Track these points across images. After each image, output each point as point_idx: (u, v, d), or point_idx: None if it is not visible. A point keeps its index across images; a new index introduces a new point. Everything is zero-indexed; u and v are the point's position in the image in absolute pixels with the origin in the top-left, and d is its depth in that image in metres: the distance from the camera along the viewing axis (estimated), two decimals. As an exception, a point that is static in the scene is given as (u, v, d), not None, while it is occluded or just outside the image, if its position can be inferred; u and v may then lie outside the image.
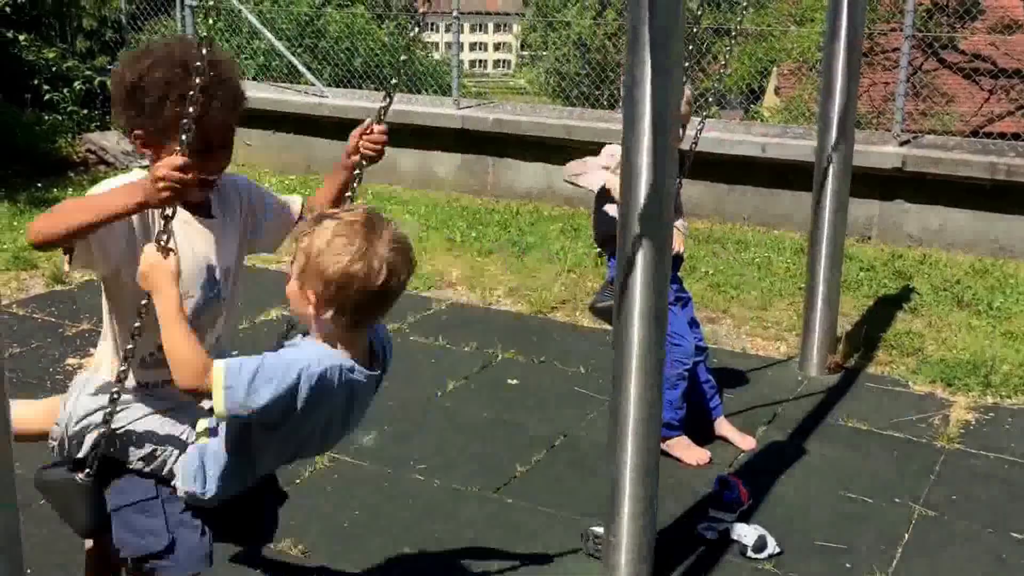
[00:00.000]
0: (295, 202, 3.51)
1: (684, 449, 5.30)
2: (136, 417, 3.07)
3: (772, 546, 4.53)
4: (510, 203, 10.38)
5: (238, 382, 2.69)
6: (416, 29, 3.60)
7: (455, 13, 11.45)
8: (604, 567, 4.26)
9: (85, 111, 12.52)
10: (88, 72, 12.73)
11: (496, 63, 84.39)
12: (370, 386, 2.96)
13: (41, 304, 7.37)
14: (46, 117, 11.94)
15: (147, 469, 3.06)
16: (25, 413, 3.29)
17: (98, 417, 3.03)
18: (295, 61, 12.95)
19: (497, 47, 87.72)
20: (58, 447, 3.15)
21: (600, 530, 4.33)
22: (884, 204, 9.36)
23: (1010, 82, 17.14)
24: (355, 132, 3.23)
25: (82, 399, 3.10)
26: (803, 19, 18.94)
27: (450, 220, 9.72)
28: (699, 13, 5.23)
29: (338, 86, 13.34)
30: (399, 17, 18.20)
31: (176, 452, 3.05)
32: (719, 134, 9.88)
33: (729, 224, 9.70)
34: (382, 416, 5.65)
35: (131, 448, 3.06)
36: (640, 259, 3.92)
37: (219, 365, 2.71)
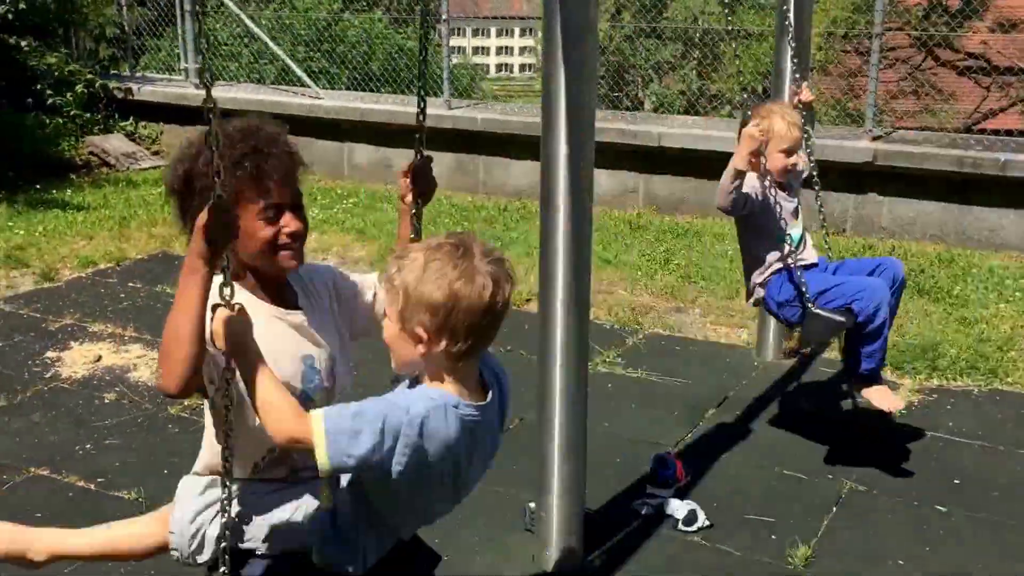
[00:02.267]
0: (375, 276, 3.33)
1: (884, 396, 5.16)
2: (255, 502, 2.94)
3: (702, 520, 4.77)
4: (499, 200, 10.62)
5: (339, 427, 2.53)
6: (435, 33, 3.80)
7: (444, 16, 11.71)
8: (536, 540, 4.50)
9: (87, 114, 12.83)
10: (91, 76, 13.01)
11: (522, 67, 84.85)
12: (489, 420, 2.77)
13: (28, 300, 7.65)
14: (48, 121, 12.23)
15: (278, 551, 2.92)
16: (131, 531, 3.19)
17: (211, 513, 2.94)
18: (289, 62, 13.21)
19: (523, 51, 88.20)
20: (180, 556, 3.00)
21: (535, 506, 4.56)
22: (857, 197, 9.58)
23: (1005, 79, 17.31)
24: (400, 176, 3.31)
25: (193, 500, 2.98)
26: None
27: (437, 217, 9.96)
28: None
29: (357, 90, 13.59)
30: (416, 21, 18.47)
31: (305, 522, 2.90)
32: (701, 131, 10.15)
33: (710, 218, 9.91)
34: (348, 401, 5.90)
35: (255, 532, 2.92)
36: (561, 245, 4.17)
37: (317, 413, 2.56)
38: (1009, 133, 9.85)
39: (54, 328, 7.13)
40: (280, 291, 3.01)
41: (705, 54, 19.76)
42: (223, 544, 2.78)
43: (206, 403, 2.96)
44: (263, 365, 2.63)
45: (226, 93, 12.77)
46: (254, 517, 2.89)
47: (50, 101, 12.32)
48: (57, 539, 3.22)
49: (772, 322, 6.71)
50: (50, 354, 6.67)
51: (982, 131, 14.36)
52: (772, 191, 5.14)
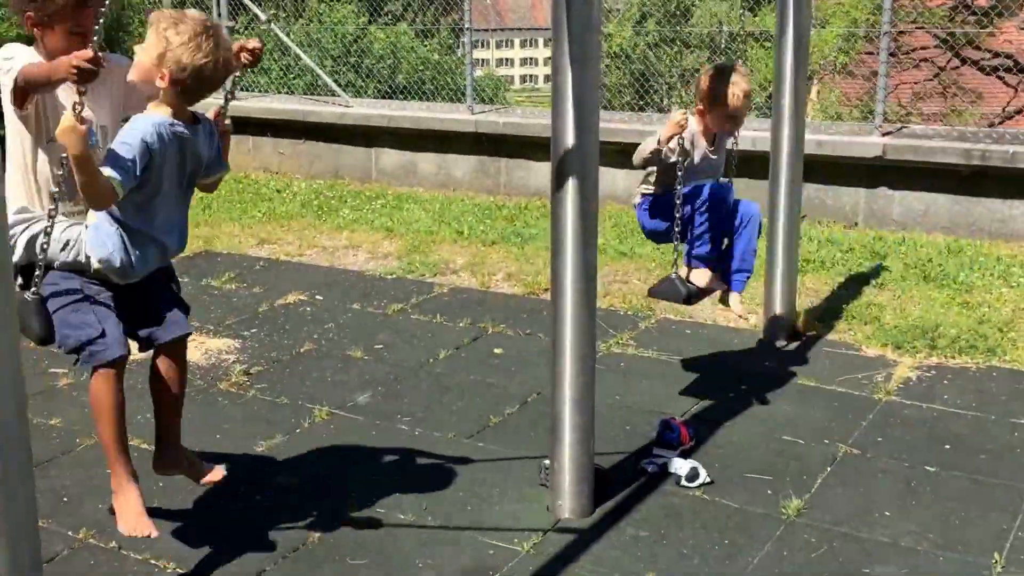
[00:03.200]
0: None
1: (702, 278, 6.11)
2: (47, 227, 4.00)
3: (703, 477, 5.19)
4: (520, 200, 11.07)
5: (122, 169, 3.88)
6: (463, 46, 4.57)
7: (466, 26, 12.21)
8: (551, 490, 4.93)
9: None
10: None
11: (547, 77, 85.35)
12: (198, 139, 4.16)
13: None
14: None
15: (68, 259, 4.09)
16: None
17: (21, 235, 4.11)
18: (320, 72, 13.71)
19: (547, 62, 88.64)
20: None
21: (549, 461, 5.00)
22: (868, 191, 9.98)
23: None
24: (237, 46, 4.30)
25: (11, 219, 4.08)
26: (825, 22, 19.46)
27: (461, 216, 10.42)
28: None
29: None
30: (441, 33, 18.94)
31: (83, 240, 4.09)
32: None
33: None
34: (377, 379, 6.39)
35: (55, 251, 4.06)
36: (570, 223, 4.62)
37: (107, 171, 3.85)
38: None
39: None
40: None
41: (729, 60, 20.09)
42: (35, 266, 4.01)
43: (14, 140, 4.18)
44: (88, 160, 3.81)
45: (259, 103, 13.32)
46: (51, 239, 4.02)
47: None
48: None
49: (779, 304, 7.12)
50: (103, 340, 7.14)
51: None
52: (695, 142, 5.84)
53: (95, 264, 4.05)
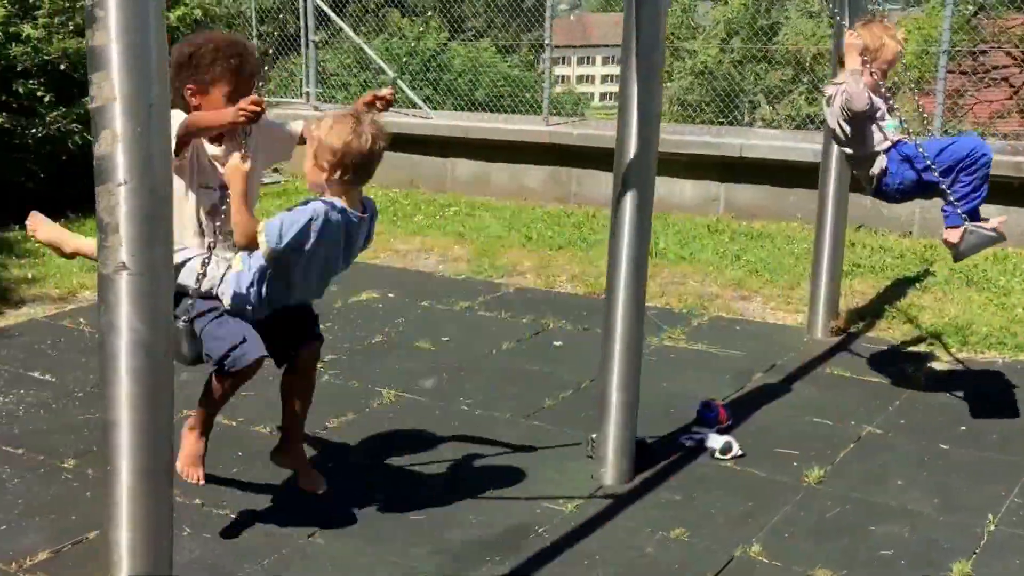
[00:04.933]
0: (298, 124, 5.05)
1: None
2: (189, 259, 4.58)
3: (736, 450, 5.70)
4: (588, 208, 11.61)
5: (272, 232, 4.29)
6: (543, 61, 5.18)
7: (546, 42, 12.83)
8: (596, 459, 5.48)
9: (217, 135, 14.05)
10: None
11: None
12: (362, 227, 4.56)
13: (173, 289, 8.78)
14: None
15: (202, 288, 4.47)
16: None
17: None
18: (402, 85, 14.33)
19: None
20: None
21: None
22: (924, 202, 10.34)
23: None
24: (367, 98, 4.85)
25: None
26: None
27: (530, 223, 11.00)
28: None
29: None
30: (522, 50, 19.49)
31: (221, 278, 4.57)
32: (780, 143, 11.09)
33: (784, 222, 10.80)
34: (441, 367, 6.97)
35: (188, 279, 4.52)
36: (627, 219, 5.17)
37: (260, 226, 4.30)
38: None
39: (195, 310, 8.25)
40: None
41: (814, 78, 20.42)
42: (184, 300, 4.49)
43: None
44: (242, 197, 4.34)
45: (343, 115, 13.96)
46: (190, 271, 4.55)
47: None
48: (85, 243, 5.08)
49: (823, 303, 7.61)
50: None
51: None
52: (874, 96, 5.82)
53: (226, 304, 4.54)
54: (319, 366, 6.84)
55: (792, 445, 5.85)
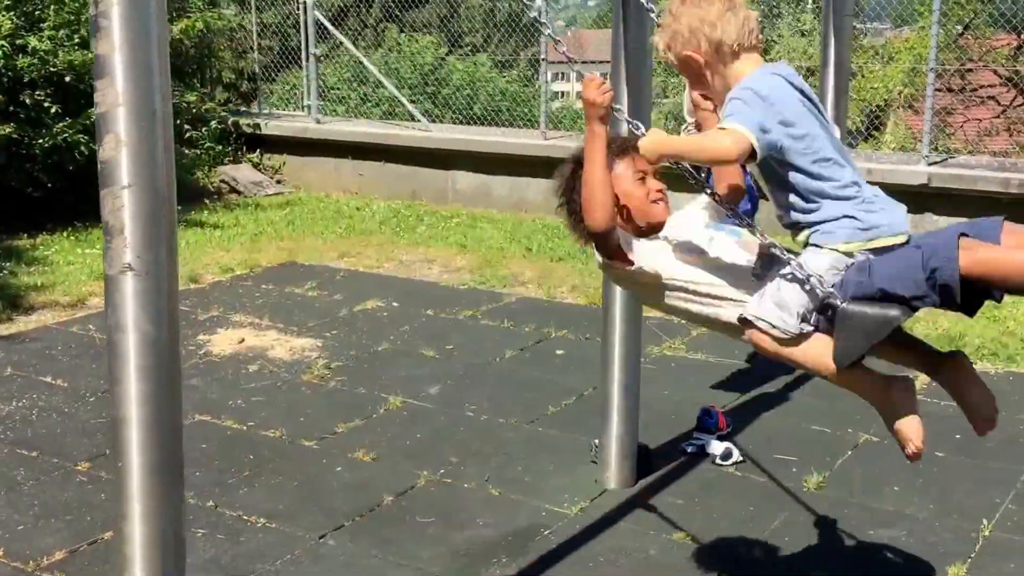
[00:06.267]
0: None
1: None
2: None
3: (736, 456, 5.83)
4: (588, 221, 11.73)
5: (750, 123, 3.17)
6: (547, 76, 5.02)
7: (542, 56, 12.97)
8: (599, 464, 5.60)
9: (220, 147, 14.27)
10: (224, 113, 14.42)
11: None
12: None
13: (179, 297, 8.85)
14: (187, 152, 13.60)
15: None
16: None
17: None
18: (402, 98, 14.50)
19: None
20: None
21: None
22: (915, 217, 10.53)
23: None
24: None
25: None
26: (889, 58, 19.95)
27: (531, 234, 11.14)
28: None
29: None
30: (520, 64, 19.59)
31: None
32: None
33: (781, 235, 10.88)
34: (447, 374, 7.10)
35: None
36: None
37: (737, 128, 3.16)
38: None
39: (203, 319, 8.38)
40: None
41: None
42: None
43: None
44: (682, 137, 3.63)
45: (340, 127, 14.25)
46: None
47: (188, 135, 13.66)
48: None
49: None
50: (201, 337, 7.91)
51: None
52: None
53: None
54: (326, 372, 7.02)
55: (791, 451, 5.97)
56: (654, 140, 3.27)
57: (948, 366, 3.77)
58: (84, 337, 7.72)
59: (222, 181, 13.81)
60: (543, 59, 13.14)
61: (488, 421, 6.42)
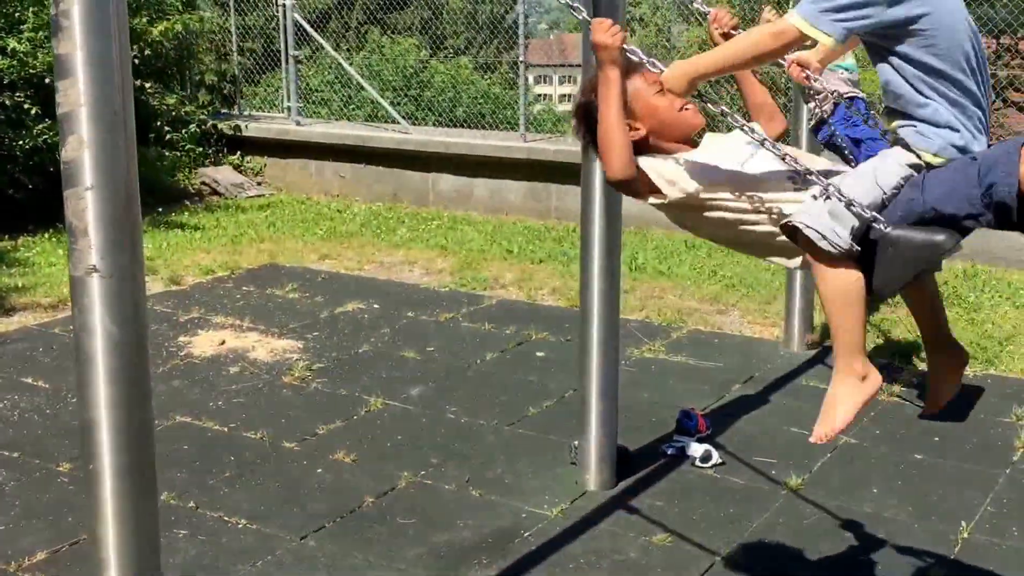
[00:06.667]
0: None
1: None
2: None
3: (716, 458, 5.86)
4: (568, 224, 11.77)
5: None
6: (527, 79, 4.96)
7: (521, 59, 13.00)
8: (579, 466, 5.62)
9: (200, 149, 14.24)
10: (203, 116, 14.41)
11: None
12: None
13: (159, 299, 8.91)
14: (167, 154, 13.59)
15: None
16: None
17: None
18: (382, 101, 14.52)
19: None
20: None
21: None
22: (895, 220, 10.59)
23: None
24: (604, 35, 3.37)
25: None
26: (869, 63, 19.99)
27: (512, 237, 11.16)
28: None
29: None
30: (502, 67, 19.56)
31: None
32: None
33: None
34: (428, 376, 7.11)
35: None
36: (596, 230, 5.32)
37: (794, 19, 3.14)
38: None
39: (183, 320, 8.38)
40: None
41: (788, 100, 20.54)
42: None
43: None
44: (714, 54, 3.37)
45: (321, 129, 14.26)
46: None
47: (168, 137, 13.65)
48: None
49: (798, 317, 7.78)
50: (182, 339, 7.91)
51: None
52: None
53: None
54: (307, 374, 7.03)
55: (771, 454, 6.00)
56: (679, 66, 3.23)
57: (949, 354, 3.82)
58: (65, 338, 7.69)
59: (203, 183, 13.79)
60: (522, 62, 13.15)
61: (468, 423, 6.43)
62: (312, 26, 14.94)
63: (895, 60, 3.19)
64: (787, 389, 7.01)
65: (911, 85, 3.20)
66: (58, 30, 3.09)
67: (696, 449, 5.91)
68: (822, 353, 7.67)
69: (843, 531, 5.15)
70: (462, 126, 15.00)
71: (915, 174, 3.22)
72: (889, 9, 3.11)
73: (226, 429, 6.28)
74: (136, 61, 12.77)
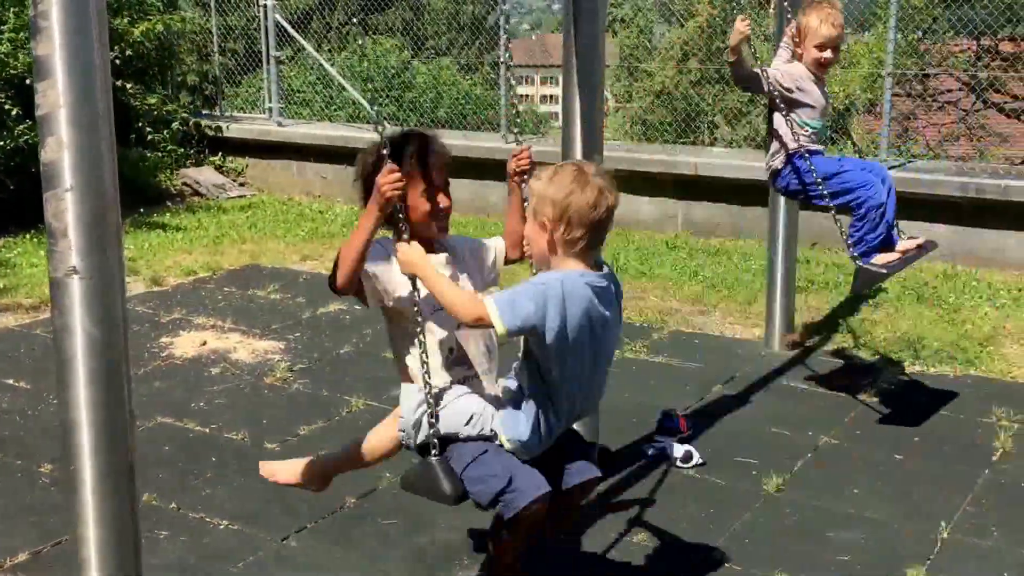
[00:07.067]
0: (500, 239, 4.47)
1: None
2: (452, 400, 3.96)
3: (697, 458, 5.87)
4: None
5: (504, 306, 3.54)
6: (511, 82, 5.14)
7: (502, 60, 12.98)
8: (560, 467, 5.63)
9: (182, 150, 14.22)
10: (184, 115, 14.39)
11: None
12: (609, 293, 3.75)
13: (141, 300, 8.90)
14: (148, 155, 13.56)
15: (474, 434, 3.89)
16: (380, 439, 4.46)
17: (423, 408, 3.95)
18: (363, 102, 14.52)
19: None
20: (407, 441, 4.15)
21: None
22: (875, 221, 10.62)
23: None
24: (510, 160, 4.32)
25: (408, 404, 4.09)
26: (850, 63, 20.09)
27: (493, 237, 11.14)
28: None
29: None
30: (484, 68, 19.59)
31: (491, 415, 3.90)
32: (735, 161, 11.32)
33: (741, 240, 11.01)
34: (410, 376, 7.10)
35: (457, 424, 3.91)
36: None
37: (488, 300, 3.59)
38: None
39: (165, 321, 8.37)
40: (432, 248, 4.08)
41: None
42: (433, 429, 3.90)
43: (388, 325, 4.24)
44: (438, 275, 3.80)
45: (304, 130, 14.27)
46: (456, 413, 3.93)
47: (150, 137, 13.63)
48: (321, 464, 4.71)
49: (779, 317, 7.80)
50: (164, 339, 7.91)
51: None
52: (805, 82, 6.02)
53: (505, 444, 3.86)
54: (288, 375, 7.03)
55: (751, 454, 6.02)
56: (410, 257, 3.81)
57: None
58: (46, 339, 7.67)
59: (184, 184, 13.77)
60: (503, 63, 13.16)
61: (451, 423, 6.43)
62: (294, 27, 14.94)
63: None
64: (768, 389, 7.02)
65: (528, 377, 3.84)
66: (37, 31, 3.09)
67: (677, 449, 5.93)
68: (802, 354, 7.70)
69: (824, 531, 5.17)
70: (444, 127, 15.00)
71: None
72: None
73: (207, 430, 6.29)
74: (117, 62, 12.78)
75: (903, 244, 6.13)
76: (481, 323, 3.61)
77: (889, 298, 8.94)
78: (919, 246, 6.18)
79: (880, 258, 5.97)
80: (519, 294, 3.58)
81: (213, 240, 11.11)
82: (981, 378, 7.26)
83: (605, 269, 3.78)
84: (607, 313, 3.73)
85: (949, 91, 18.77)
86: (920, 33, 17.14)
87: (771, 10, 20.06)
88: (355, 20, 18.67)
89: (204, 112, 15.66)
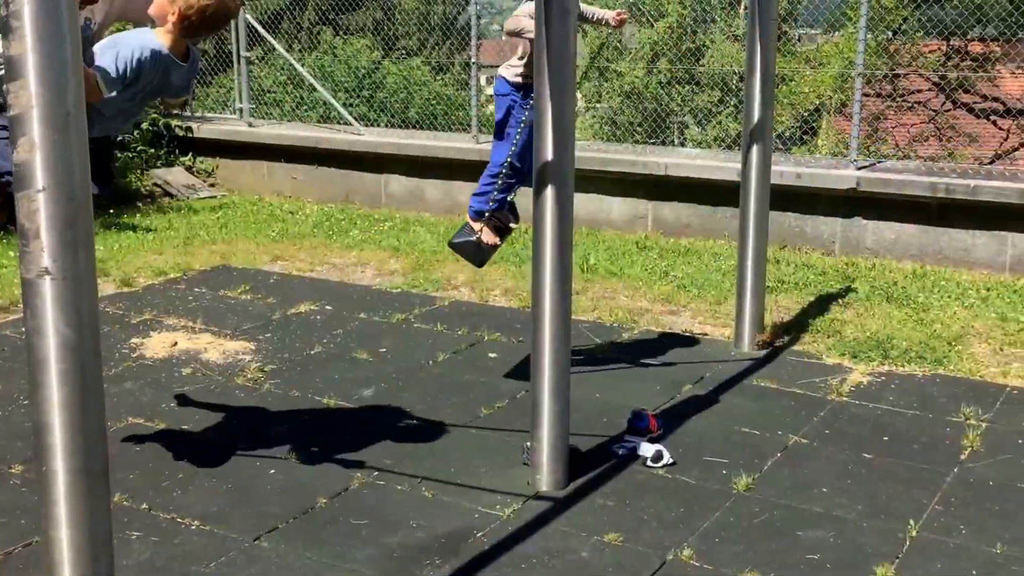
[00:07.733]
0: None
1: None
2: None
3: (667, 458, 5.90)
4: (521, 224, 11.77)
5: (112, 81, 4.70)
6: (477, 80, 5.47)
7: (473, 59, 13.00)
8: (531, 466, 5.65)
9: (152, 150, 14.18)
10: (155, 115, 14.33)
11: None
12: (182, 71, 4.99)
13: (111, 301, 8.87)
14: (119, 155, 13.51)
15: None
16: None
17: None
18: (333, 102, 14.49)
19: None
20: None
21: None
22: (844, 221, 10.70)
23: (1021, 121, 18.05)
24: None
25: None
26: (820, 64, 20.17)
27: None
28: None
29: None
30: (455, 68, 19.60)
31: None
32: (703, 162, 11.35)
33: (711, 240, 11.06)
34: (380, 377, 7.12)
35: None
36: (548, 230, 5.34)
37: (99, 74, 4.63)
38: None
39: (135, 322, 8.35)
40: None
41: (740, 100, 20.64)
42: None
43: None
44: None
45: (274, 130, 14.23)
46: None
47: (120, 138, 13.57)
48: None
49: (748, 317, 7.83)
50: (134, 340, 7.88)
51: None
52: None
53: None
54: (259, 376, 7.02)
55: (721, 453, 6.05)
56: None
57: None
58: (17, 340, 7.65)
59: (155, 184, 13.73)
60: (473, 63, 13.16)
61: (421, 424, 6.45)
62: (264, 27, 14.91)
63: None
64: (738, 389, 7.05)
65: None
66: (8, 31, 3.09)
67: (647, 449, 5.95)
68: (772, 353, 7.74)
69: (793, 530, 5.20)
70: (414, 127, 15.01)
71: None
72: None
73: (179, 430, 6.27)
74: (87, 62, 12.69)
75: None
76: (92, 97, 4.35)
77: (859, 298, 9.00)
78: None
79: (489, 237, 7.57)
80: (115, 63, 4.71)
81: (184, 241, 11.08)
82: (950, 377, 7.31)
83: (192, 52, 5.06)
84: (171, 82, 5.00)
85: (919, 91, 18.89)
86: (890, 33, 17.26)
87: (741, 10, 20.20)
88: (326, 20, 18.62)
89: (174, 112, 15.60)
